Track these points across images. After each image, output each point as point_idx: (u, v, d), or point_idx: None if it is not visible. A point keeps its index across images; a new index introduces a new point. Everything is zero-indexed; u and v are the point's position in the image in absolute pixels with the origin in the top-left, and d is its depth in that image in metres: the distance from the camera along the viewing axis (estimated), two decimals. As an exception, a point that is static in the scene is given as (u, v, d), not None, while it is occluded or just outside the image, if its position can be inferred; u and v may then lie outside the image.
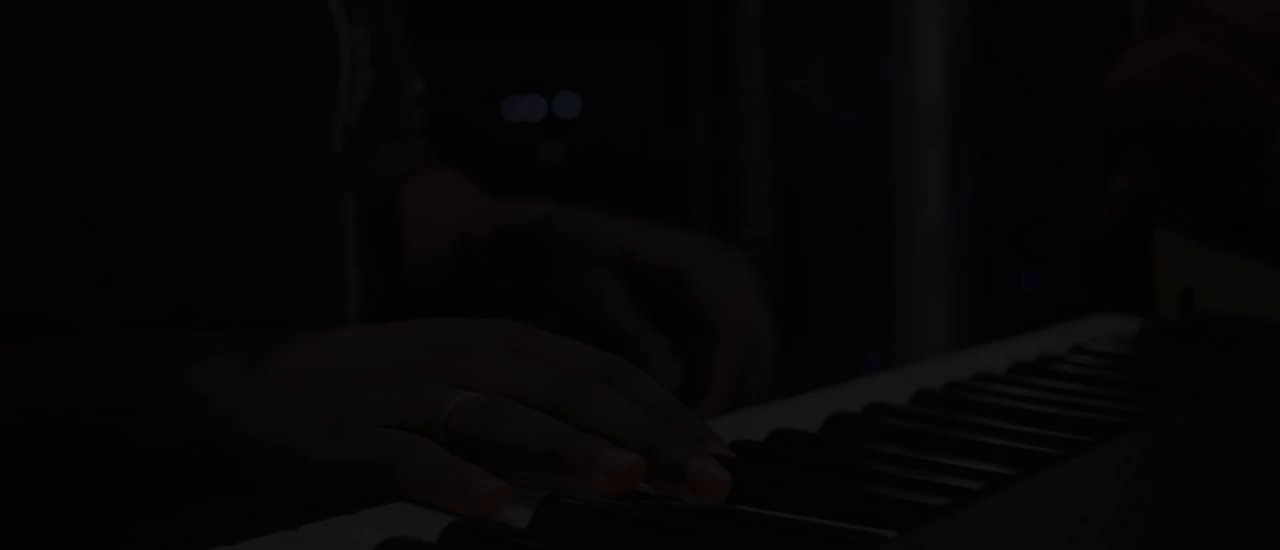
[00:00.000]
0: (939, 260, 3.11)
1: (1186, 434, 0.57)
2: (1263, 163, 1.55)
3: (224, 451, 0.58)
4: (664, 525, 0.46)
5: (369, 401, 0.55)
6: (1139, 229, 1.63)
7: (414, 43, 1.05)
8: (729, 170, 3.09)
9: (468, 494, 0.50)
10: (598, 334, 0.84)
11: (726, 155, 3.09)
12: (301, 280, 0.82)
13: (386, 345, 0.58)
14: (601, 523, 0.47)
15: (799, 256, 3.15)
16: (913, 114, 3.08)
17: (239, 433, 0.58)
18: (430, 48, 1.19)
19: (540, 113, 3.06)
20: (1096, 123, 3.20)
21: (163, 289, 0.74)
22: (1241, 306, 1.57)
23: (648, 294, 0.85)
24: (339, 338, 0.60)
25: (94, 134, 0.71)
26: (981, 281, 3.26)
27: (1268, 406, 0.63)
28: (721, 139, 3.07)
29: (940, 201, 3.10)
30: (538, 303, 0.91)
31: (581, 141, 3.10)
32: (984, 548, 0.42)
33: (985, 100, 3.21)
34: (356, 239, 0.89)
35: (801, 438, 0.60)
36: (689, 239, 0.86)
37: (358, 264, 0.89)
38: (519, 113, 3.03)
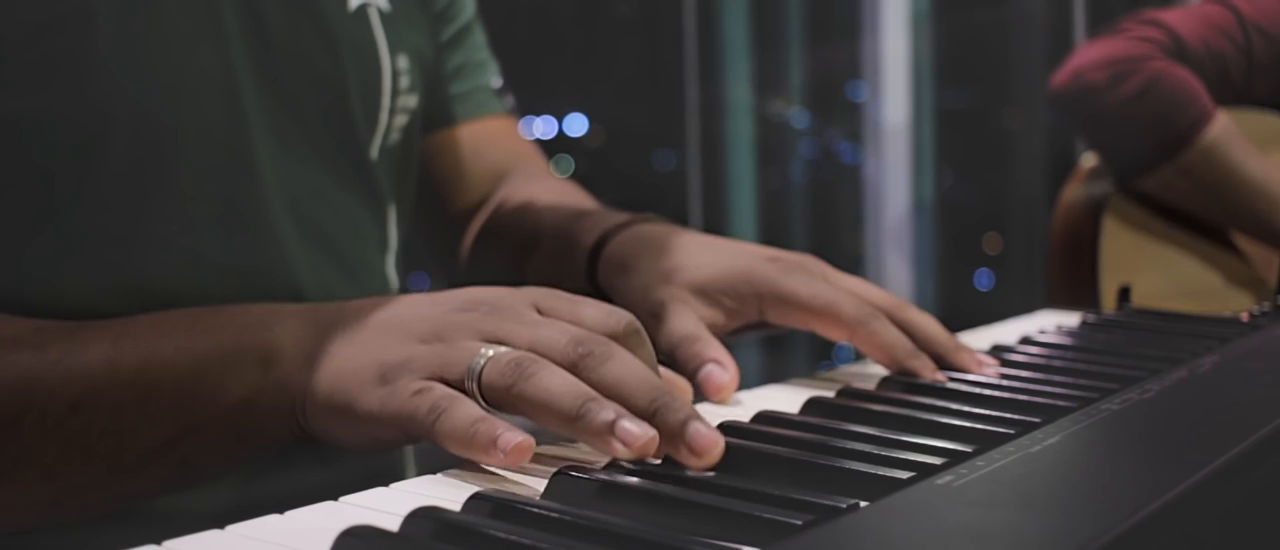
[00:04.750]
0: (903, 261, 3.11)
1: (1121, 415, 0.57)
2: (1181, 158, 1.55)
3: (290, 401, 0.58)
4: (662, 495, 0.46)
5: (413, 355, 0.55)
6: (1087, 231, 1.62)
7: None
8: (718, 182, 3.09)
9: (496, 448, 0.50)
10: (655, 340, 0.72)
11: (716, 169, 3.09)
12: (351, 281, 0.82)
13: (430, 307, 0.58)
14: (607, 492, 0.47)
15: (780, 258, 3.14)
16: (880, 132, 3.08)
17: (303, 382, 0.58)
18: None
19: (552, 131, 3.07)
20: (1043, 138, 3.20)
21: (223, 290, 0.74)
22: (1176, 299, 1.56)
23: (720, 307, 0.76)
24: (390, 302, 0.60)
25: (165, 152, 0.71)
26: (941, 281, 3.26)
27: (1191, 390, 0.63)
28: (712, 154, 3.07)
29: (904, 209, 3.10)
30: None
31: (589, 157, 3.10)
32: (943, 516, 0.42)
33: (944, 120, 3.21)
34: (398, 244, 0.88)
35: (783, 419, 0.60)
36: (759, 255, 0.77)
37: (398, 267, 0.89)
38: (533, 131, 3.04)
